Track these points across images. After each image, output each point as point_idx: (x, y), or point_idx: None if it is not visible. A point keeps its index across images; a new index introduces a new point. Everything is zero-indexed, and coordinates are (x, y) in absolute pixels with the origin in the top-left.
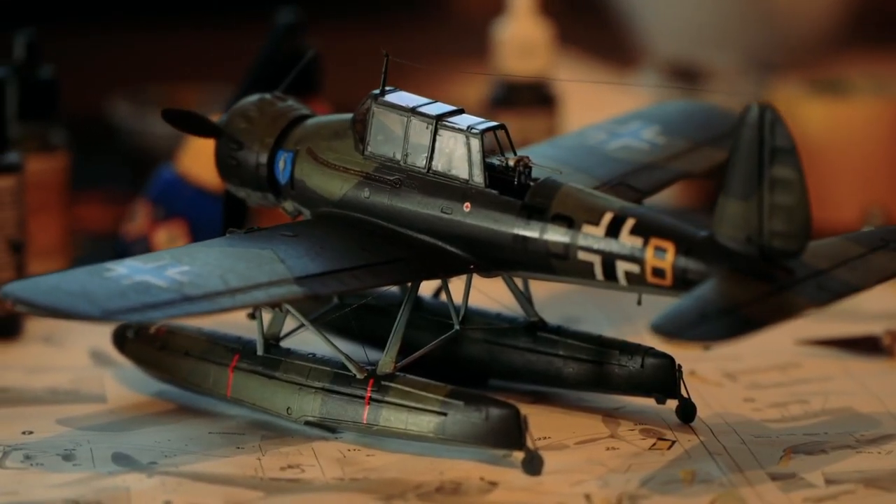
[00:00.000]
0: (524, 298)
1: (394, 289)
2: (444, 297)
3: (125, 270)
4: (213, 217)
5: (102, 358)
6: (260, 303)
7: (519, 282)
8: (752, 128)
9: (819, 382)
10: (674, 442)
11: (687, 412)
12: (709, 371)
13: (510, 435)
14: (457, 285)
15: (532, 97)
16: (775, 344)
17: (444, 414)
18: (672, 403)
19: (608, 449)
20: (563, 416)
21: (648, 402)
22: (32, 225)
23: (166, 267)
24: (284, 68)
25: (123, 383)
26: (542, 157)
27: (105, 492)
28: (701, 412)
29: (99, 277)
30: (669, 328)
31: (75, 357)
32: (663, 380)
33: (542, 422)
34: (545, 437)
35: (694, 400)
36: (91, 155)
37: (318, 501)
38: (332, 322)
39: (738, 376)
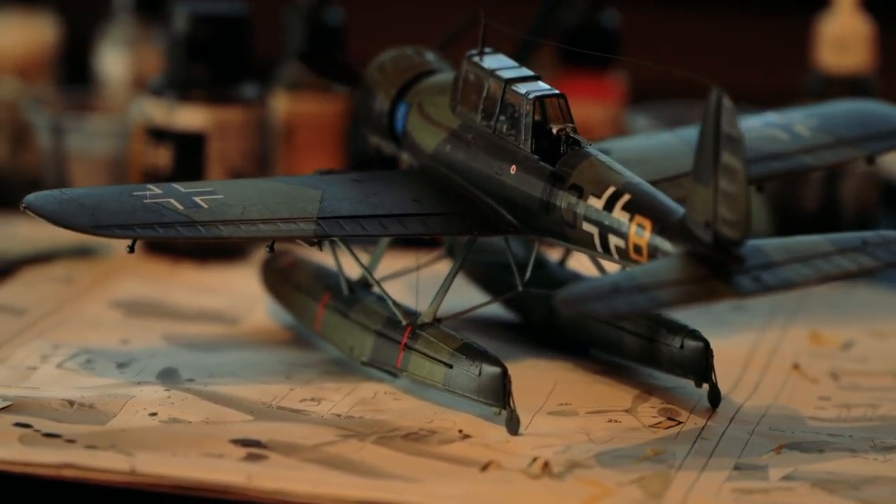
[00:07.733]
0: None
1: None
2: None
3: (160, 191)
4: None
5: None
6: (263, 235)
7: None
8: (712, 114)
9: None
10: (679, 423)
11: (714, 397)
12: (817, 368)
13: (496, 392)
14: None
15: (848, 91)
16: None
17: (451, 366)
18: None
19: (609, 421)
20: (606, 386)
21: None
22: (306, 164)
23: (201, 193)
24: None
25: (269, 313)
26: (678, 139)
27: (107, 397)
28: (759, 402)
29: (126, 196)
30: (572, 299)
31: (257, 285)
32: (698, 363)
33: (579, 390)
34: (566, 404)
35: (767, 391)
36: None
37: (284, 430)
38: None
39: (843, 376)
